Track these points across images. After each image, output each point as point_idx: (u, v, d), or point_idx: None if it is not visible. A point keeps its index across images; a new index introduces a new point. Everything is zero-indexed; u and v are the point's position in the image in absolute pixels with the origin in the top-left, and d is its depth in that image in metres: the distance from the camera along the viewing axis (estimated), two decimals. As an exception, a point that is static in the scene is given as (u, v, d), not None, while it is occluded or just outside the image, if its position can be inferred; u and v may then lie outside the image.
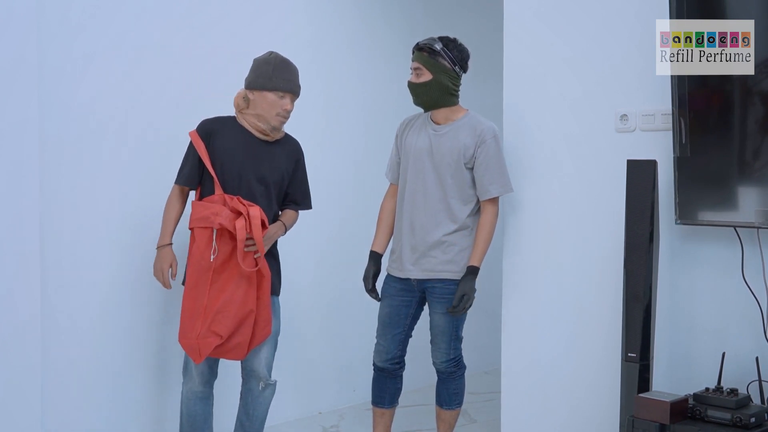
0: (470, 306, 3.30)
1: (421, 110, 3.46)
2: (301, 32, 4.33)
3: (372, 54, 4.68)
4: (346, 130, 4.57)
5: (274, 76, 3.21)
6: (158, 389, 3.70)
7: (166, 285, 3.26)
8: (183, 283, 3.24)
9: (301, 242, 4.33)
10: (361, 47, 4.63)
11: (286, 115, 3.26)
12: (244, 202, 3.17)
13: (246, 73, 3.30)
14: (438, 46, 3.30)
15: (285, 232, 3.37)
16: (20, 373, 3.17)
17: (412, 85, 3.37)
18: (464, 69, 3.38)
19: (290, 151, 3.37)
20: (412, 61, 3.36)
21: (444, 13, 5.01)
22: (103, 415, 3.52)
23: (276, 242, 3.35)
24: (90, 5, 3.47)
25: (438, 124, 3.39)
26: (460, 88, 3.39)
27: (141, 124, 3.59)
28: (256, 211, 3.15)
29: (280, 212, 3.39)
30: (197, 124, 3.27)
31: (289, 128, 4.23)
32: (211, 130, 3.24)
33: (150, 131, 3.61)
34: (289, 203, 3.40)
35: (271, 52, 3.29)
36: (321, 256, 4.45)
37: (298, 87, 3.30)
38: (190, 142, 3.25)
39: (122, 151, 3.55)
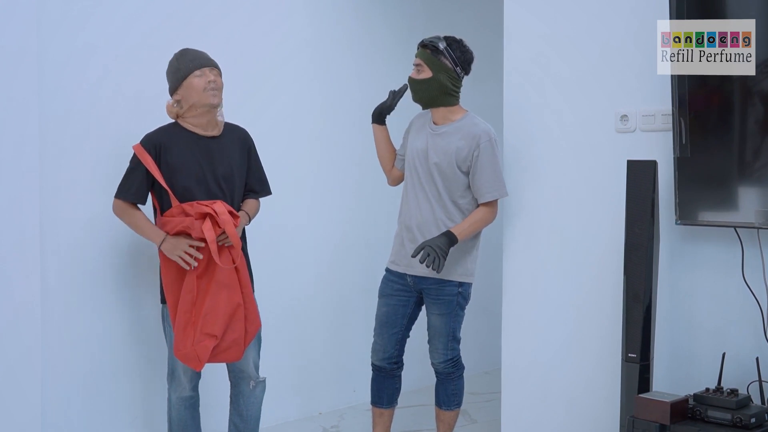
0: (436, 266, 3.15)
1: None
2: (300, 32, 4.32)
3: (371, 54, 4.67)
4: (345, 130, 4.56)
5: (180, 65, 3.17)
6: (161, 387, 3.70)
7: (198, 256, 3.10)
8: (162, 302, 3.23)
9: (300, 242, 4.34)
10: (360, 47, 4.63)
11: (215, 87, 3.17)
12: (204, 202, 3.12)
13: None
14: (441, 45, 3.29)
15: (249, 222, 3.33)
16: (20, 372, 3.17)
17: (411, 81, 3.37)
18: (466, 71, 3.37)
19: (240, 141, 3.31)
20: (415, 56, 3.36)
21: (443, 13, 5.00)
22: (104, 414, 3.52)
23: (245, 237, 3.32)
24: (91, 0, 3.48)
25: (436, 124, 3.39)
26: (461, 89, 3.39)
27: (141, 119, 3.57)
28: (220, 207, 3.11)
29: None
30: (142, 138, 3.20)
31: (289, 127, 4.26)
32: (158, 143, 3.17)
33: (150, 127, 3.60)
34: (247, 192, 3.35)
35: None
36: (321, 256, 4.45)
37: (210, 60, 3.21)
38: (134, 156, 3.16)
39: (123, 147, 3.53)
